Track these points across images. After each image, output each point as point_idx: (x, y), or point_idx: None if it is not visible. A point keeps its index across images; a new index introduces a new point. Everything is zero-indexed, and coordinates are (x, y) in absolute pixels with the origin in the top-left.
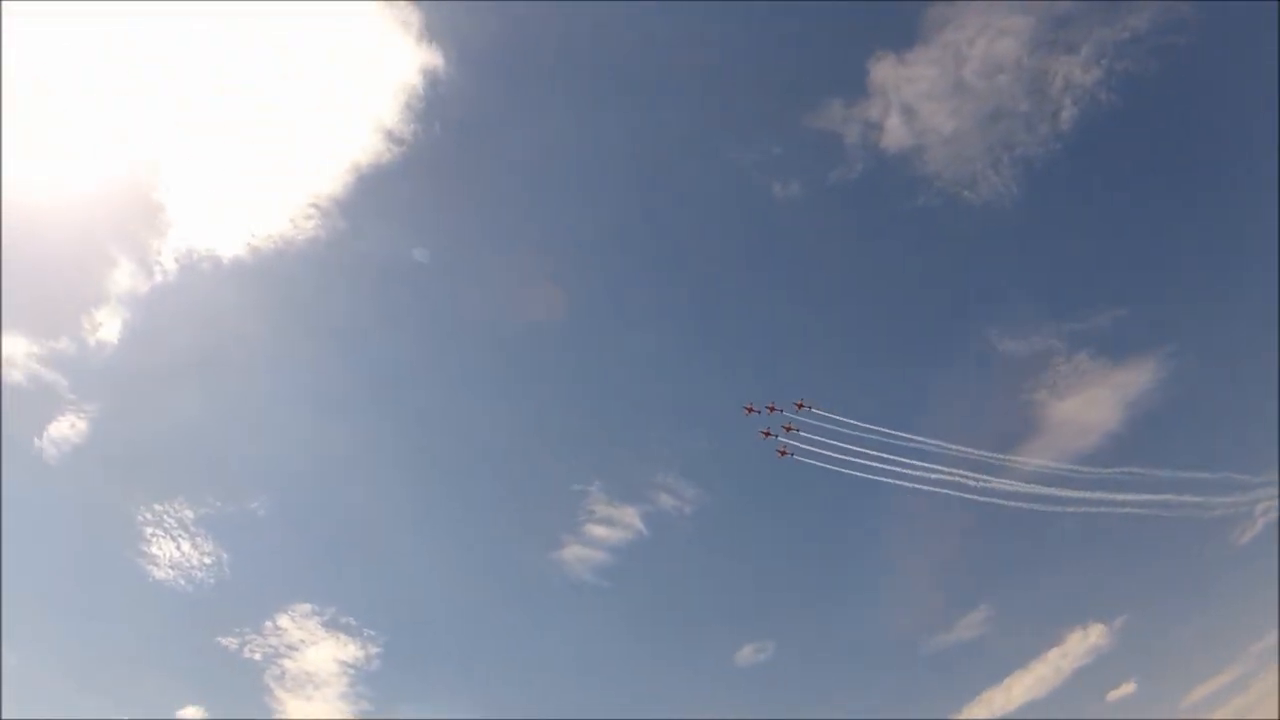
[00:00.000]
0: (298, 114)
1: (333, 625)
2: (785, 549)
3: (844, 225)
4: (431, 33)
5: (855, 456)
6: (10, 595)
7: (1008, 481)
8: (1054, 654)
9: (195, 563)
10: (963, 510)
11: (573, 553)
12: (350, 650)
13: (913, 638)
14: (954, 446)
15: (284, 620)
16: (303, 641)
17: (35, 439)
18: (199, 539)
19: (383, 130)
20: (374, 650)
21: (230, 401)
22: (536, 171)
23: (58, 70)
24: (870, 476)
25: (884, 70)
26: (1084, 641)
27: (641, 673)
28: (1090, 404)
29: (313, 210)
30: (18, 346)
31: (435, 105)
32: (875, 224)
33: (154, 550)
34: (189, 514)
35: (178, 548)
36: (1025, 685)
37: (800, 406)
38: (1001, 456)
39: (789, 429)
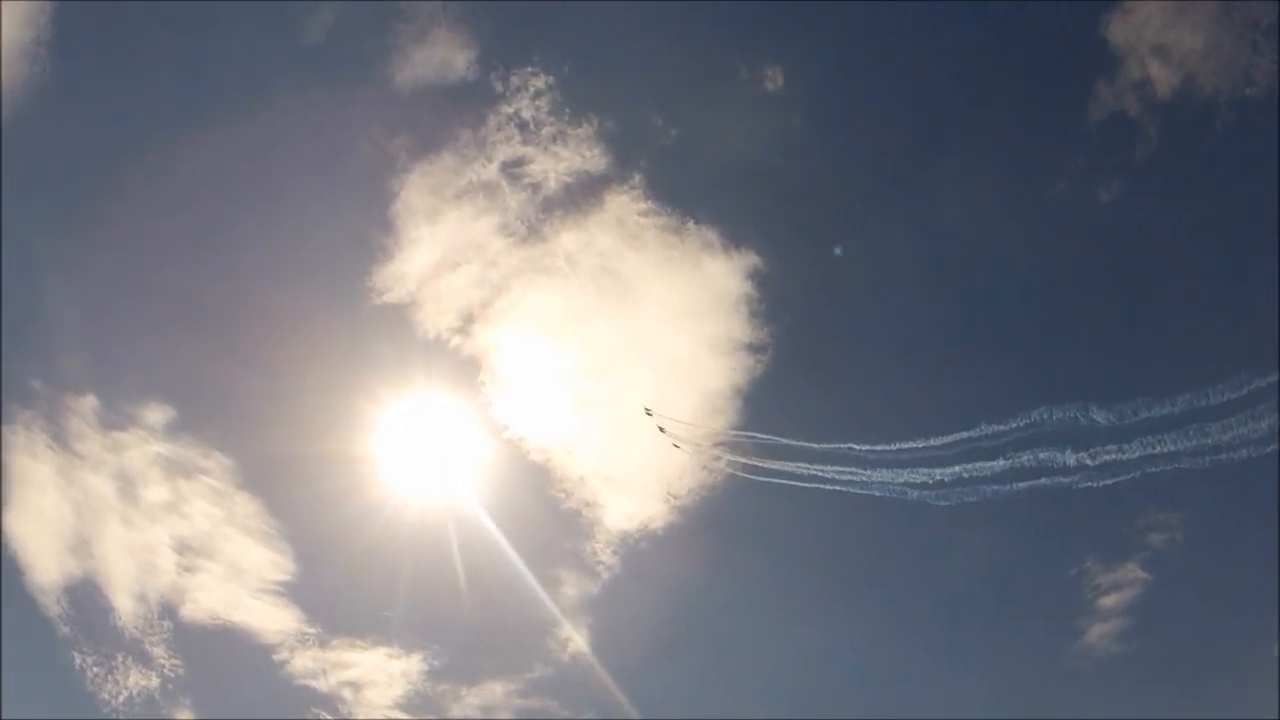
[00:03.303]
0: (666, 368)
1: None
2: None
3: (1174, 188)
4: (735, 239)
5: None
6: None
7: None
8: None
9: None
10: None
11: (1095, 633)
12: None
13: None
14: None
15: None
16: None
17: None
18: None
19: (744, 346)
20: None
21: (720, 652)
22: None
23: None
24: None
25: (1117, 29)
26: None
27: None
28: None
29: (719, 448)
30: (496, 691)
31: (774, 300)
32: (1197, 172)
33: None
34: None
35: None
36: None
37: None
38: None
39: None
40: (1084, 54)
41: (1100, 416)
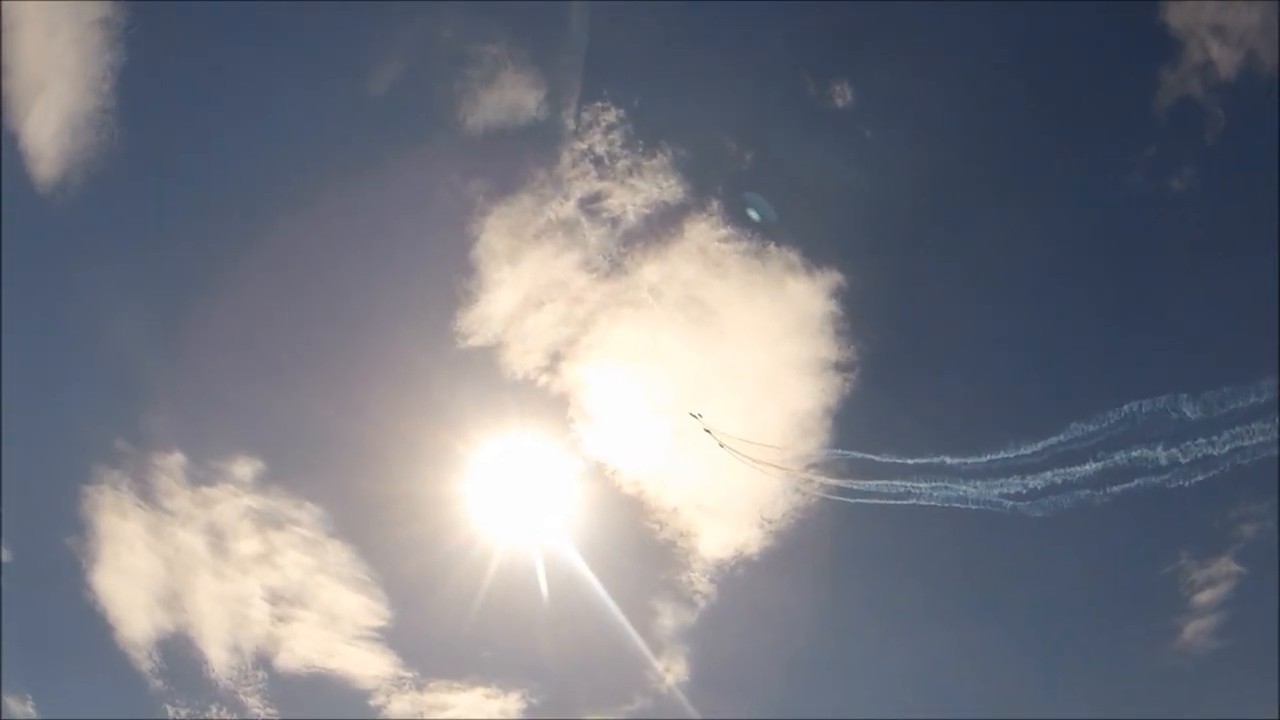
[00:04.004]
0: (755, 392)
1: None
2: None
3: (1246, 169)
4: (816, 259)
5: None
6: None
7: None
8: None
9: None
10: None
11: (1191, 630)
12: None
13: None
14: None
15: None
16: None
17: None
18: None
19: (831, 365)
20: None
21: (821, 674)
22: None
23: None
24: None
25: (1175, 13)
26: None
27: None
28: None
29: (810, 471)
30: None
31: (858, 317)
32: (1268, 151)
33: None
34: None
35: None
36: None
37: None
38: None
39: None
40: (1145, 42)
41: (1189, 409)
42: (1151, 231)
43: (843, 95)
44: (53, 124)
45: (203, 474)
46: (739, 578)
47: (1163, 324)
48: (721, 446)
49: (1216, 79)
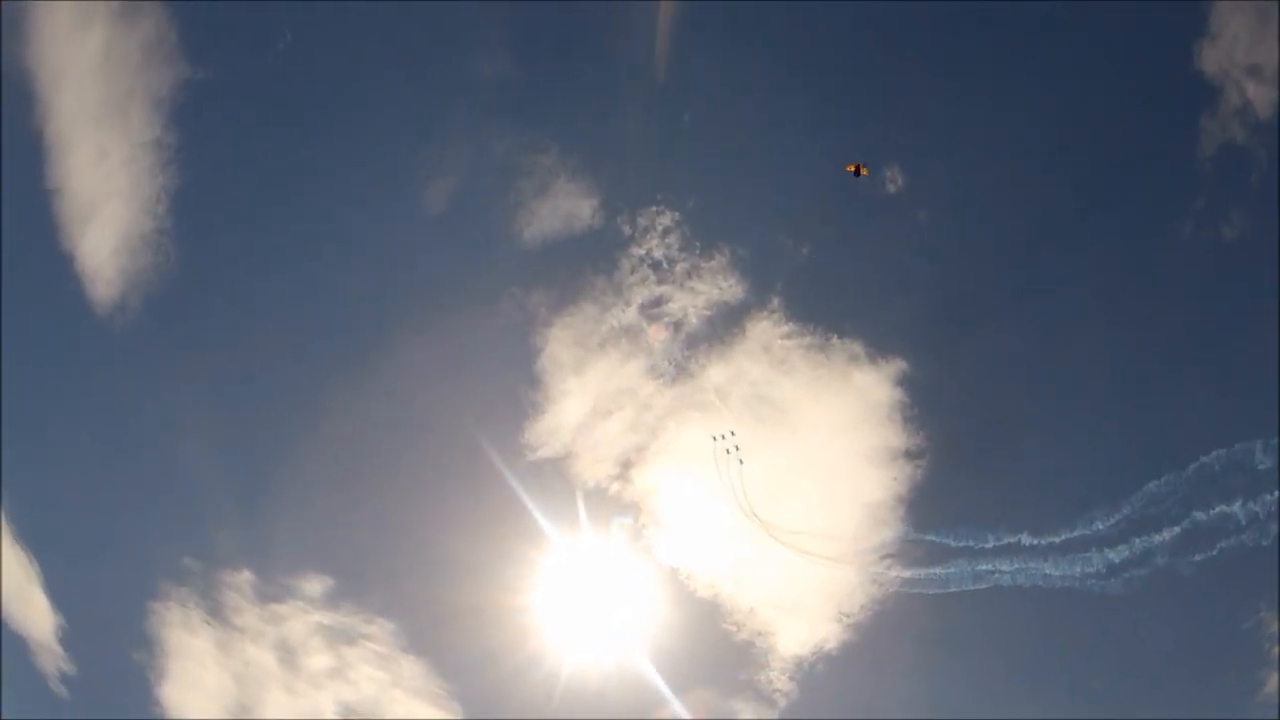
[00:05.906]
0: (827, 486)
1: None
2: None
3: None
4: (877, 348)
5: None
6: None
7: None
8: None
9: None
10: None
11: (1274, 683)
12: None
13: None
14: None
15: None
16: None
17: None
18: None
19: (902, 453)
20: None
21: None
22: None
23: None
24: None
25: (1210, 59)
26: None
27: None
28: None
29: (887, 560)
30: None
31: (924, 402)
32: None
33: None
34: None
35: None
36: None
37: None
38: None
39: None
40: (1184, 91)
41: (1261, 458)
42: (1206, 280)
43: (894, 181)
44: (108, 246)
45: (272, 591)
46: (819, 673)
47: (1226, 373)
48: (741, 463)
49: (1256, 120)
